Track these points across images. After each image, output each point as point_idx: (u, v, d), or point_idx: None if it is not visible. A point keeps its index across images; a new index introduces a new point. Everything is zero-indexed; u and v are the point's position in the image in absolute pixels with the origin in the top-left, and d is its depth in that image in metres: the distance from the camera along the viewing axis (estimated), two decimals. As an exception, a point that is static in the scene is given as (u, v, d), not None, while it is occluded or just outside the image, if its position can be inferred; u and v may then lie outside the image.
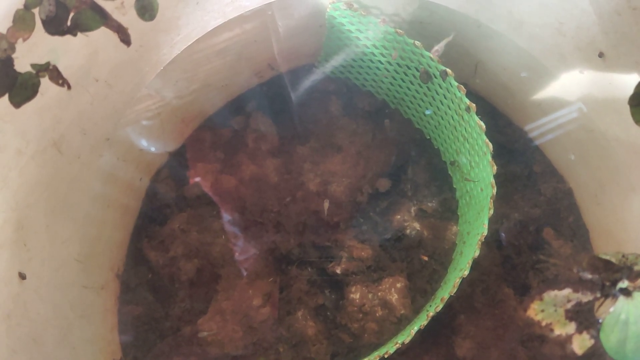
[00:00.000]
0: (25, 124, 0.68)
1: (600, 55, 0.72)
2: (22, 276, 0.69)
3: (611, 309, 0.57)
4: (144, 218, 0.97)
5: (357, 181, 0.94)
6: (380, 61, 0.88)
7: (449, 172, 0.92)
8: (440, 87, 0.81)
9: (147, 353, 0.87)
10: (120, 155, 0.88)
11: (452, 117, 0.83)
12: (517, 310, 0.82)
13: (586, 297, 0.58)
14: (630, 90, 0.67)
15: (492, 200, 0.72)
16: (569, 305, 0.59)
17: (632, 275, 0.58)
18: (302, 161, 0.96)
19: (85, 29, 0.70)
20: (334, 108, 0.99)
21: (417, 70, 0.84)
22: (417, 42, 0.79)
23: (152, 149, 0.96)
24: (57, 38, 0.68)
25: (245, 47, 0.92)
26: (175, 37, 0.82)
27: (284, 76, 1.02)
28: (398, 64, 0.86)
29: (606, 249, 0.84)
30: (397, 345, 0.71)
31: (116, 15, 0.72)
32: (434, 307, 0.72)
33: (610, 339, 0.57)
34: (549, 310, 0.59)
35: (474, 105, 0.76)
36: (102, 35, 0.72)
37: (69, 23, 0.68)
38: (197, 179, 0.97)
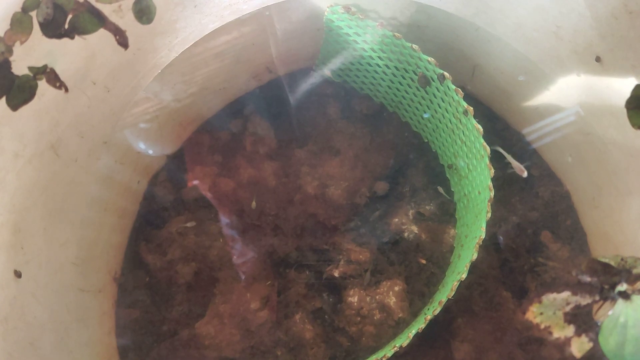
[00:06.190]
0: (22, 127, 0.68)
1: (598, 59, 0.72)
2: (18, 274, 0.68)
3: (610, 312, 0.57)
4: (142, 221, 0.96)
5: (355, 184, 0.94)
6: (378, 64, 0.89)
7: (447, 175, 0.92)
8: (438, 91, 0.81)
9: (144, 357, 0.87)
10: (117, 158, 0.88)
11: (450, 121, 0.83)
12: (515, 313, 0.82)
13: (585, 300, 0.58)
14: (627, 94, 0.68)
15: (489, 204, 0.72)
16: (567, 308, 0.59)
17: (630, 279, 0.58)
18: (300, 164, 0.96)
19: (83, 32, 0.70)
20: (331, 111, 0.99)
21: (415, 73, 0.84)
22: (414, 46, 0.79)
23: (150, 152, 0.96)
24: (54, 41, 0.68)
25: (243, 50, 0.92)
26: (173, 40, 0.82)
27: (282, 79, 1.02)
28: (396, 67, 0.86)
29: (604, 252, 0.84)
30: (395, 348, 0.71)
31: (114, 18, 0.72)
32: (432, 310, 0.72)
33: (608, 342, 0.57)
34: (547, 313, 0.59)
35: (472, 108, 0.76)
36: (100, 38, 0.72)
37: (66, 26, 0.68)
38: (195, 182, 0.97)
